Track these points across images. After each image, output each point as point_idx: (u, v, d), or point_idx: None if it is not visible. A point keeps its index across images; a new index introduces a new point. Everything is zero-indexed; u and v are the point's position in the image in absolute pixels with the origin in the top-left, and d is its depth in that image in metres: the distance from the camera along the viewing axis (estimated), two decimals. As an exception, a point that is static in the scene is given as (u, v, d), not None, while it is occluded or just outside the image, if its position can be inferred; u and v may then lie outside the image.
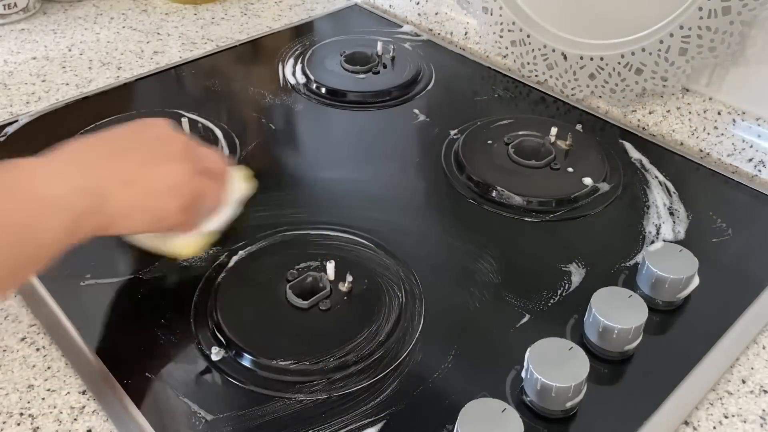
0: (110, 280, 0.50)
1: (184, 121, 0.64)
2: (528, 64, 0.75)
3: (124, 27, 0.87)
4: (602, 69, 0.69)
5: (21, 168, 0.40)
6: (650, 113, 0.69)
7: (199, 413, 0.41)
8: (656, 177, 0.61)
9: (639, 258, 0.52)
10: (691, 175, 0.62)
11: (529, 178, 0.60)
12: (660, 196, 0.59)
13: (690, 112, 0.67)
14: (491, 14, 0.76)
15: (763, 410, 0.43)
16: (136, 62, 0.79)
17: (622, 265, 0.52)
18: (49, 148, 0.42)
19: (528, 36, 0.74)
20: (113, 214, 0.42)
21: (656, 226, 0.56)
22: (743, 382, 0.45)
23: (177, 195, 0.45)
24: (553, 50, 0.72)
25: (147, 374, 0.44)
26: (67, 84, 0.75)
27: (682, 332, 0.47)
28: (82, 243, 0.41)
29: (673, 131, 0.68)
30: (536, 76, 0.76)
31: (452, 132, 0.67)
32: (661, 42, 0.64)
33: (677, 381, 0.44)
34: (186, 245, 0.49)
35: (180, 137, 0.47)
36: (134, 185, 0.43)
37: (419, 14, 0.88)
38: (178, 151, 0.46)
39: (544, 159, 0.62)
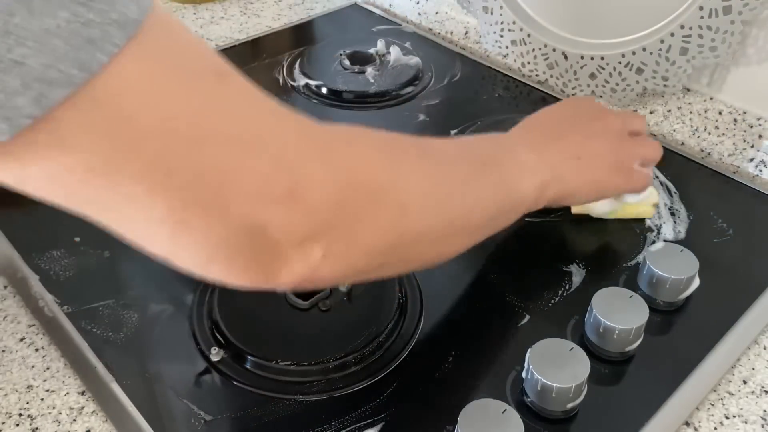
0: (110, 280, 0.50)
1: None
2: (528, 63, 0.75)
3: (123, 26, 0.87)
4: (603, 68, 0.69)
5: (504, 139, 0.49)
6: (651, 113, 0.69)
7: (199, 414, 0.41)
8: (657, 177, 0.61)
9: (640, 258, 0.52)
10: (692, 175, 0.62)
11: (529, 178, 0.60)
12: (661, 196, 0.59)
13: (691, 112, 0.67)
14: (491, 13, 0.75)
15: (764, 411, 0.43)
16: (136, 62, 0.79)
17: (623, 265, 0.52)
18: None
19: (528, 35, 0.73)
20: (566, 188, 0.48)
21: (657, 226, 0.56)
22: (744, 382, 0.45)
23: (618, 172, 0.50)
24: (554, 50, 0.72)
25: (147, 374, 0.44)
26: (67, 83, 0.75)
27: (683, 333, 0.47)
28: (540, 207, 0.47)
29: (674, 131, 0.68)
30: (537, 75, 0.76)
31: (452, 132, 0.67)
32: (662, 41, 0.63)
33: (678, 381, 0.44)
34: (638, 209, 0.55)
35: (618, 115, 0.53)
36: (582, 161, 0.48)
37: (419, 14, 0.88)
38: (616, 128, 0.51)
39: (545, 159, 0.62)
